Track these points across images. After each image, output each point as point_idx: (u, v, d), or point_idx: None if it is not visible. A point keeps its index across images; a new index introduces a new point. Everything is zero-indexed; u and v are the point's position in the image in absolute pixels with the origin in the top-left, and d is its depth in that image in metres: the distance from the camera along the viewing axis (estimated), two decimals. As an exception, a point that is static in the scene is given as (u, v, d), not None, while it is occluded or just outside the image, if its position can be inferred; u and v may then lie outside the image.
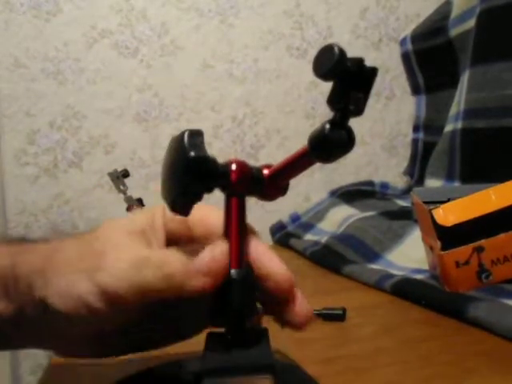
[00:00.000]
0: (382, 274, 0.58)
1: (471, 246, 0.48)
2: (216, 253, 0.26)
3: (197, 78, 1.06)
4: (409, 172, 1.05)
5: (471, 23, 0.81)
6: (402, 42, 1.04)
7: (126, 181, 0.78)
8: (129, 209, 0.66)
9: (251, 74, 1.09)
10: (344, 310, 0.49)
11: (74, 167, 1.02)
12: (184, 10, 1.06)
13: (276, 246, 0.96)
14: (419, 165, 0.99)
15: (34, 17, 0.99)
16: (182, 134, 0.25)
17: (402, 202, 0.91)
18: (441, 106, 0.94)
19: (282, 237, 0.94)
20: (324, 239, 0.78)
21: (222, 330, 0.27)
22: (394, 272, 0.60)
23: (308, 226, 0.91)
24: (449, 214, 0.49)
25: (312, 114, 1.09)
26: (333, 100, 0.23)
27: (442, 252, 0.49)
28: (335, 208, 0.90)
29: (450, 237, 0.49)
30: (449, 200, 0.51)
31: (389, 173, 1.16)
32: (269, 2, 1.09)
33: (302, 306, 0.28)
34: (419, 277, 0.56)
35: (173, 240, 0.30)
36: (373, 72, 0.23)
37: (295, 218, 0.99)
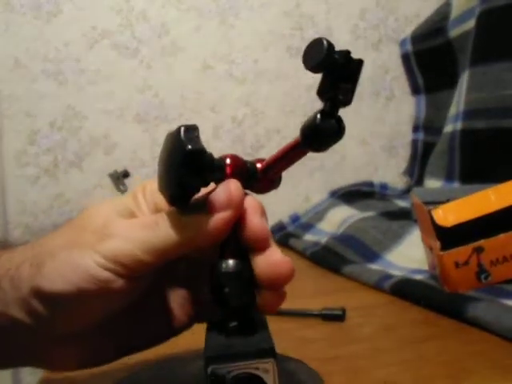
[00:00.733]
0: (382, 275, 0.58)
1: (471, 246, 0.49)
2: (231, 186, 0.26)
3: (197, 78, 1.06)
4: (408, 172, 1.05)
5: (471, 24, 0.81)
6: (402, 43, 1.04)
7: (126, 181, 0.78)
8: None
9: (251, 75, 1.09)
10: (344, 310, 0.49)
11: (75, 167, 1.02)
12: (184, 10, 1.06)
13: (276, 246, 0.96)
14: (419, 165, 0.99)
15: (34, 17, 0.99)
16: (178, 128, 0.26)
17: (401, 203, 0.91)
18: (440, 106, 0.95)
19: (282, 237, 0.94)
20: (324, 239, 0.78)
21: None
22: (394, 272, 0.60)
23: (308, 227, 0.92)
24: (448, 215, 0.49)
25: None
26: (322, 91, 0.24)
27: (442, 252, 0.49)
28: (335, 208, 0.90)
29: (449, 237, 0.49)
30: (448, 200, 0.51)
31: (388, 173, 1.16)
32: (269, 2, 1.09)
33: (275, 253, 0.27)
34: (419, 277, 0.56)
35: (155, 211, 0.29)
36: (359, 63, 0.24)
37: (295, 219, 0.99)
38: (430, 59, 0.97)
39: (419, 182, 0.96)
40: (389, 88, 1.16)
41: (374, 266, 0.65)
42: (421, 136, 1.02)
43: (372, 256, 0.68)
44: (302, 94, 1.09)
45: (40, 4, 0.99)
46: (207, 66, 1.07)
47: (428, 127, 1.00)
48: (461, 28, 0.87)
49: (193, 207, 0.26)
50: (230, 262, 0.27)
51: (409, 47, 1.02)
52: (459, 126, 0.78)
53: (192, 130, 0.26)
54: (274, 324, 0.49)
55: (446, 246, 0.49)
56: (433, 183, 0.83)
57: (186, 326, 0.31)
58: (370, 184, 1.04)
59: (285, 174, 1.00)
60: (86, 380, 0.35)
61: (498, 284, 0.49)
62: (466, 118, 0.77)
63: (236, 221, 0.26)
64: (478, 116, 0.75)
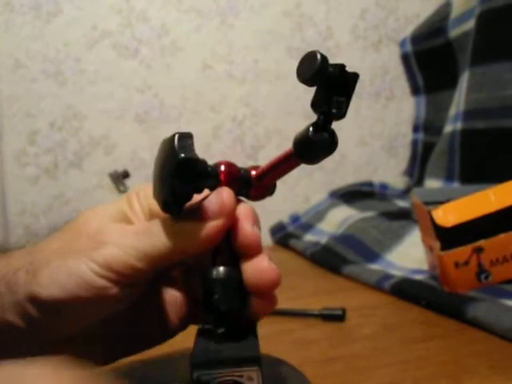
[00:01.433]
0: (382, 275, 0.58)
1: (470, 246, 0.49)
2: (224, 194, 0.27)
3: (197, 78, 1.06)
4: (408, 172, 1.05)
5: (470, 24, 0.81)
6: (402, 44, 1.05)
7: (127, 181, 0.78)
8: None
9: (251, 75, 1.09)
10: (344, 310, 0.49)
11: (75, 168, 1.02)
12: (184, 10, 1.06)
13: (276, 246, 0.96)
14: (419, 165, 0.99)
15: (34, 17, 0.99)
16: (172, 136, 0.26)
17: (401, 203, 0.91)
18: (440, 106, 0.95)
19: (282, 237, 0.94)
20: (324, 240, 0.78)
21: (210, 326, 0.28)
22: (394, 272, 0.60)
23: (308, 227, 0.92)
24: (448, 215, 0.49)
25: (312, 115, 1.08)
26: (316, 104, 0.24)
27: (442, 252, 0.49)
28: (335, 209, 0.90)
29: (449, 237, 0.49)
30: (448, 200, 0.51)
31: (388, 173, 1.16)
32: (269, 2, 1.09)
33: (263, 260, 0.27)
34: (419, 277, 0.56)
35: (150, 218, 0.30)
36: (354, 77, 0.24)
37: (295, 219, 0.99)
38: (430, 59, 0.97)
39: (419, 182, 0.96)
40: (389, 88, 1.16)
41: (374, 266, 0.65)
42: (421, 136, 1.02)
43: (372, 256, 0.68)
44: (302, 94, 1.10)
45: (40, 4, 0.99)
46: (207, 66, 1.07)
47: (428, 127, 1.00)
48: (461, 28, 0.87)
49: (186, 214, 0.27)
50: (221, 269, 0.27)
51: (409, 47, 1.02)
52: (459, 126, 0.78)
53: (186, 137, 0.26)
54: (274, 324, 0.49)
55: (446, 246, 0.49)
56: (433, 183, 0.83)
57: (181, 328, 0.31)
58: (370, 184, 1.04)
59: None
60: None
61: (498, 284, 0.49)
62: (465, 118, 0.77)
63: (228, 228, 0.27)
64: (477, 116, 0.75)
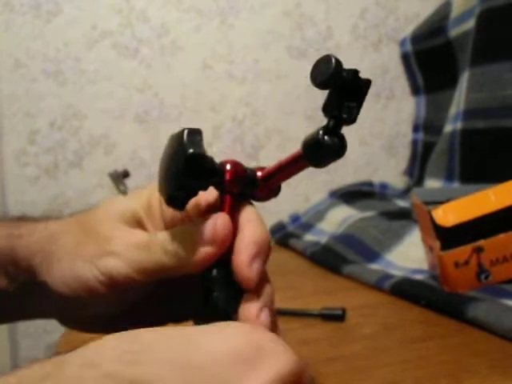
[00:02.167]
0: (382, 274, 0.58)
1: (470, 246, 0.49)
2: (218, 222, 0.27)
3: (197, 78, 1.06)
4: (408, 172, 1.05)
5: (471, 24, 0.81)
6: (402, 43, 1.04)
7: (127, 181, 0.78)
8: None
9: (251, 75, 1.09)
10: (344, 310, 0.49)
11: (75, 167, 1.02)
12: (184, 10, 1.06)
13: (276, 246, 0.96)
14: (419, 165, 0.99)
15: (34, 17, 0.99)
16: (182, 131, 0.26)
17: (401, 203, 0.91)
18: (440, 106, 0.95)
19: (282, 237, 0.94)
20: (324, 239, 0.78)
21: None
22: (394, 272, 0.60)
23: (308, 227, 0.92)
24: (448, 215, 0.49)
25: (312, 115, 1.09)
26: (327, 108, 0.24)
27: (442, 252, 0.49)
28: (335, 208, 0.90)
29: (449, 237, 0.49)
30: (448, 200, 0.51)
31: (388, 173, 1.16)
32: (269, 2, 1.09)
33: (252, 308, 0.27)
34: (419, 277, 0.56)
35: (170, 224, 0.31)
36: (367, 83, 0.24)
37: (295, 219, 0.99)
38: (430, 59, 0.97)
39: (419, 181, 0.96)
40: (389, 88, 1.16)
41: (374, 266, 0.65)
42: (421, 136, 1.02)
43: (372, 256, 0.68)
44: (302, 94, 1.09)
45: (40, 4, 0.99)
46: (207, 66, 1.07)
47: (428, 127, 1.00)
48: (461, 28, 0.87)
49: (183, 234, 0.28)
50: (220, 268, 0.28)
51: (409, 47, 1.02)
52: (459, 125, 0.78)
53: (195, 133, 0.26)
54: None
55: (446, 246, 0.49)
56: (433, 183, 0.83)
57: (181, 320, 0.34)
58: (370, 184, 1.04)
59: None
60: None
61: (498, 284, 0.49)
62: (466, 117, 0.77)
63: (222, 253, 0.27)
64: (477, 116, 0.75)
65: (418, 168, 1.00)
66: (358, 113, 0.25)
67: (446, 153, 0.81)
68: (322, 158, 0.25)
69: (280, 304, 0.54)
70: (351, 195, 0.95)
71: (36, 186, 1.00)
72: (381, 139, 1.16)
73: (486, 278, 0.49)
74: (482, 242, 0.48)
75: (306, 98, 1.09)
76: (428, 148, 0.95)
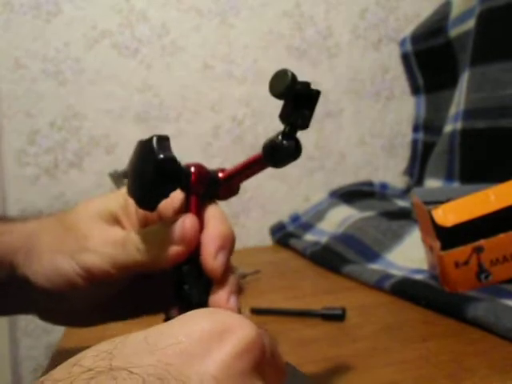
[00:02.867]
0: (382, 274, 0.58)
1: (470, 246, 0.49)
2: (186, 223, 0.30)
3: (197, 78, 1.06)
4: (408, 172, 1.05)
5: (470, 24, 0.81)
6: (402, 43, 1.04)
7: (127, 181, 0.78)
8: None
9: (251, 75, 1.09)
10: (344, 309, 0.49)
11: (75, 167, 1.02)
12: (184, 10, 1.06)
13: (276, 246, 0.96)
14: (419, 165, 0.99)
15: (34, 17, 0.99)
16: (151, 138, 0.28)
17: (401, 202, 0.91)
18: (440, 106, 0.95)
19: (282, 237, 0.94)
20: (324, 239, 0.78)
21: None
22: (394, 272, 0.60)
23: (308, 226, 0.92)
24: (448, 215, 0.49)
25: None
26: (284, 115, 0.28)
27: (442, 252, 0.49)
28: (335, 208, 0.90)
29: (449, 237, 0.49)
30: (448, 200, 0.51)
31: (388, 173, 1.16)
32: (269, 2, 1.09)
33: (222, 297, 0.29)
34: (419, 277, 0.56)
35: (145, 224, 0.33)
36: (317, 94, 0.28)
37: (295, 219, 0.99)
38: (430, 59, 0.97)
39: (419, 181, 0.96)
40: (389, 88, 1.16)
41: (374, 266, 0.65)
42: (421, 136, 1.02)
43: (372, 256, 0.68)
44: (302, 93, 1.09)
45: (40, 4, 0.99)
46: (207, 66, 1.07)
47: (428, 127, 1.00)
48: (461, 28, 0.87)
49: (155, 233, 0.30)
50: (192, 264, 0.30)
51: (408, 47, 1.02)
52: (459, 125, 0.78)
53: (164, 139, 0.29)
54: (274, 324, 0.49)
55: (446, 246, 0.49)
56: (433, 183, 0.83)
57: (153, 313, 0.36)
58: (370, 184, 1.04)
59: (285, 174, 1.00)
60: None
61: (498, 284, 0.49)
62: (465, 117, 0.77)
63: (191, 251, 0.30)
64: (477, 116, 0.75)
65: (417, 168, 1.00)
66: (310, 119, 0.28)
67: (445, 153, 0.81)
68: (280, 159, 0.29)
69: (280, 304, 0.54)
70: (351, 195, 0.95)
71: (36, 186, 1.00)
72: (381, 139, 1.16)
73: (486, 277, 0.49)
74: (482, 242, 0.49)
75: (306, 97, 1.09)
76: (428, 148, 0.95)
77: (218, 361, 0.19)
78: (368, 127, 1.15)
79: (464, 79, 0.79)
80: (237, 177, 0.32)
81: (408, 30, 1.10)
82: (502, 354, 0.38)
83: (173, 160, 0.28)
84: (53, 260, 0.31)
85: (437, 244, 0.49)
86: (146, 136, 0.30)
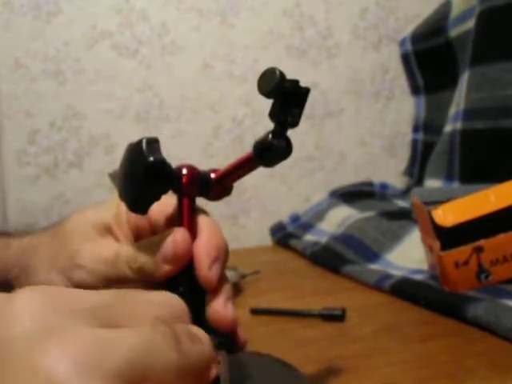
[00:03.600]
0: (382, 275, 0.58)
1: (470, 246, 0.49)
2: (177, 239, 0.29)
3: (197, 78, 1.06)
4: (408, 172, 1.05)
5: (471, 24, 0.81)
6: (402, 43, 1.04)
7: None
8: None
9: (251, 74, 1.09)
10: (344, 310, 0.49)
11: (75, 167, 1.02)
12: (184, 10, 1.06)
13: (276, 246, 0.96)
14: (419, 165, 0.99)
15: (34, 17, 0.99)
16: (140, 141, 0.28)
17: (401, 203, 0.91)
18: (440, 106, 0.95)
19: (282, 237, 0.94)
20: (324, 239, 0.78)
21: None
22: (394, 272, 0.60)
23: (308, 227, 0.92)
24: (448, 215, 0.49)
25: (311, 114, 1.09)
26: (274, 114, 0.28)
27: (442, 252, 0.49)
28: (335, 208, 0.90)
29: (449, 237, 0.49)
30: (448, 200, 0.51)
31: (388, 173, 1.16)
32: (269, 2, 1.09)
33: (218, 304, 0.30)
34: (419, 277, 0.56)
35: (137, 232, 0.33)
36: (306, 91, 0.28)
37: (295, 219, 0.99)
38: (430, 59, 0.97)
39: (419, 181, 0.96)
40: (389, 88, 1.16)
41: (374, 266, 0.65)
42: (421, 136, 1.02)
43: (372, 256, 0.68)
44: (302, 93, 1.09)
45: (40, 4, 0.99)
46: (207, 66, 1.07)
47: (428, 127, 1.00)
48: (460, 28, 0.87)
49: (146, 250, 0.30)
50: (183, 274, 0.30)
51: (408, 47, 1.02)
52: (459, 125, 0.78)
53: (153, 142, 0.28)
54: (275, 324, 0.49)
55: (445, 246, 0.49)
56: (433, 183, 0.83)
57: None
58: (370, 184, 1.04)
59: (285, 174, 1.00)
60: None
61: (498, 284, 0.49)
62: (465, 117, 0.77)
63: (183, 266, 0.30)
64: (477, 116, 0.75)
65: (417, 168, 1.00)
66: (299, 117, 0.28)
67: (445, 153, 0.81)
68: (271, 158, 0.29)
69: (280, 304, 0.54)
70: (351, 195, 0.95)
71: (36, 186, 1.00)
72: (381, 139, 1.16)
73: (486, 277, 0.49)
74: (481, 242, 0.49)
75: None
76: (428, 148, 0.95)
77: None
78: (368, 127, 1.15)
79: (464, 79, 0.79)
80: (229, 177, 0.31)
81: (408, 30, 1.10)
82: (502, 354, 0.38)
83: (162, 162, 0.28)
84: (48, 277, 0.32)
85: (437, 244, 0.49)
86: (145, 136, 0.30)
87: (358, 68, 1.13)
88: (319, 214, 0.93)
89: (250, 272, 0.68)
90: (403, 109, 1.16)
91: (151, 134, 0.30)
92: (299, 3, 1.11)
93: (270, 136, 0.28)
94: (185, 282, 0.30)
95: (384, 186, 1.04)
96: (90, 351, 0.17)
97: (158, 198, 0.29)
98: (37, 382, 0.16)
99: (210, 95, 1.07)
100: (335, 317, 0.48)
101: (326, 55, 1.12)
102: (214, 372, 0.24)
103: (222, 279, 0.30)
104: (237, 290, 0.61)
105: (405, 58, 1.03)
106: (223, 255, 0.30)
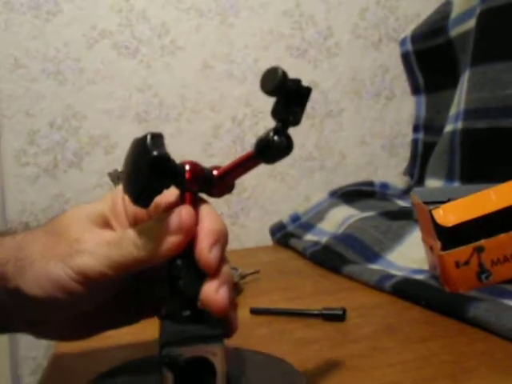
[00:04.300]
0: (382, 274, 0.58)
1: (471, 246, 0.48)
2: (183, 213, 0.30)
3: (197, 78, 1.06)
4: (409, 172, 1.05)
5: (471, 23, 0.81)
6: (402, 42, 1.04)
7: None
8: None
9: (251, 74, 1.09)
10: (344, 310, 0.49)
11: (74, 167, 1.02)
12: (184, 10, 1.06)
13: (276, 246, 0.96)
14: (419, 165, 0.99)
15: (34, 17, 0.99)
16: (145, 136, 0.29)
17: (401, 202, 0.91)
18: (441, 106, 0.94)
19: (282, 237, 0.94)
20: (324, 239, 0.78)
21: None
22: (394, 272, 0.60)
23: (308, 227, 0.91)
24: (449, 214, 0.49)
25: (312, 114, 1.08)
26: (275, 112, 0.29)
27: (442, 252, 0.49)
28: (335, 208, 0.90)
29: (450, 237, 0.49)
30: (449, 200, 0.51)
31: (389, 173, 1.16)
32: (269, 1, 1.09)
33: (212, 286, 0.29)
34: (419, 277, 0.56)
35: (135, 223, 0.33)
36: (308, 90, 0.28)
37: (295, 219, 0.99)
38: (431, 59, 0.97)
39: (419, 181, 0.95)
40: (389, 88, 1.16)
41: (375, 266, 0.65)
42: (421, 136, 1.02)
43: (372, 256, 0.68)
44: (302, 93, 1.09)
45: (40, 3, 0.99)
46: (207, 66, 1.07)
47: (428, 127, 1.00)
48: (461, 27, 0.87)
49: (151, 228, 0.30)
50: (185, 258, 0.30)
51: (409, 46, 1.02)
52: (460, 125, 0.78)
53: (158, 137, 0.29)
54: (275, 324, 0.49)
55: (446, 246, 0.49)
56: (433, 183, 0.83)
57: (146, 316, 0.36)
58: (371, 184, 1.04)
59: (285, 174, 1.00)
60: (85, 380, 0.35)
61: (499, 284, 0.49)
62: (466, 117, 0.77)
63: (188, 242, 0.30)
64: (478, 116, 0.75)
65: (418, 168, 0.99)
66: (301, 116, 0.28)
67: (446, 153, 0.81)
68: (272, 155, 0.29)
69: (280, 304, 0.54)
70: (351, 195, 0.95)
71: (36, 186, 1.00)
72: (381, 139, 1.16)
73: (487, 277, 0.48)
74: (482, 242, 0.48)
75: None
76: (428, 148, 0.95)
77: None
78: (368, 127, 1.15)
79: (464, 79, 0.79)
80: (231, 174, 0.32)
81: (408, 29, 1.10)
82: (503, 355, 0.38)
83: (166, 157, 0.29)
84: (45, 267, 0.30)
85: (437, 244, 0.49)
86: (150, 131, 0.30)
87: (358, 68, 1.13)
88: (319, 213, 0.93)
89: (250, 272, 0.68)
90: (403, 109, 1.16)
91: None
92: (299, 3, 1.11)
93: (272, 133, 0.29)
94: (186, 265, 0.30)
95: (384, 186, 1.04)
96: None
97: (160, 192, 0.30)
98: None
99: (210, 95, 1.07)
100: (335, 317, 0.48)
101: (326, 55, 1.12)
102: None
103: (222, 263, 0.30)
104: (237, 289, 0.61)
105: (405, 58, 1.03)
106: (223, 239, 0.31)
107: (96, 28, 1.02)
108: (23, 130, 1.00)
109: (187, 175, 0.31)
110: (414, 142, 1.04)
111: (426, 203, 0.52)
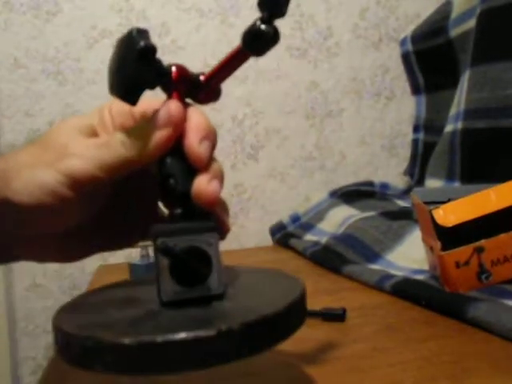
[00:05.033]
0: (382, 275, 0.58)
1: (471, 246, 0.48)
2: (171, 106, 0.30)
3: (197, 78, 1.06)
4: (409, 172, 1.05)
5: (471, 23, 0.81)
6: (402, 43, 1.04)
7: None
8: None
9: (251, 74, 1.09)
10: (344, 310, 0.48)
11: (74, 167, 1.02)
12: (184, 10, 1.06)
13: (276, 246, 0.96)
14: (419, 165, 0.99)
15: (33, 17, 0.99)
16: (130, 30, 0.29)
17: (402, 203, 0.91)
18: (441, 106, 0.94)
19: (282, 237, 0.94)
20: (324, 239, 0.78)
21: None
22: (394, 272, 0.60)
23: (308, 227, 0.91)
24: (449, 215, 0.49)
25: (312, 114, 1.08)
26: (262, 3, 0.29)
27: (442, 252, 0.49)
28: (335, 208, 0.90)
29: (450, 237, 0.49)
30: (449, 200, 0.51)
31: (389, 173, 1.16)
32: (269, 2, 1.09)
33: (203, 179, 0.29)
34: (419, 277, 0.56)
35: (120, 129, 0.32)
36: None
37: (295, 219, 0.99)
38: (431, 59, 0.97)
39: (420, 181, 0.95)
40: (389, 88, 1.16)
41: (375, 266, 0.65)
42: (421, 136, 1.02)
43: (372, 256, 0.68)
44: (302, 93, 1.09)
45: (40, 3, 0.99)
46: (208, 66, 1.07)
47: (428, 127, 1.00)
48: (461, 27, 0.87)
49: (140, 128, 0.30)
50: (175, 157, 0.30)
51: (409, 46, 1.02)
52: (460, 125, 0.78)
53: (143, 31, 0.29)
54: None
55: (446, 246, 0.49)
56: (433, 183, 0.83)
57: (139, 237, 0.36)
58: (371, 184, 1.04)
59: (285, 174, 1.00)
60: (85, 380, 0.34)
61: (499, 284, 0.49)
62: (466, 117, 0.77)
63: (177, 137, 0.30)
64: (478, 116, 0.75)
65: (418, 168, 0.99)
66: (287, 7, 0.29)
67: (446, 153, 0.81)
68: (260, 45, 0.29)
69: (280, 304, 0.54)
70: (351, 195, 0.95)
71: (36, 186, 1.00)
72: (381, 139, 1.16)
73: (487, 278, 0.48)
74: (482, 242, 0.48)
75: (306, 97, 1.09)
76: (428, 148, 0.95)
77: None
78: (368, 127, 1.15)
79: (465, 79, 0.79)
80: (219, 75, 0.32)
81: (408, 29, 1.10)
82: (503, 355, 0.38)
83: (153, 48, 0.29)
84: (33, 173, 0.29)
85: (437, 244, 0.49)
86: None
87: (359, 68, 1.13)
88: (319, 214, 0.93)
89: (250, 272, 0.68)
90: (404, 109, 1.16)
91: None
92: (299, 3, 1.11)
93: (259, 23, 0.29)
94: (176, 162, 0.30)
95: (384, 186, 1.04)
96: None
97: (148, 86, 0.30)
98: None
99: (210, 95, 1.07)
100: (336, 317, 0.48)
101: (326, 55, 1.12)
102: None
103: (211, 160, 0.30)
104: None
105: (405, 58, 1.03)
106: (212, 136, 0.31)
107: (96, 28, 1.02)
108: (23, 130, 1.00)
109: (174, 75, 0.31)
110: (414, 142, 1.04)
111: (426, 203, 0.52)
